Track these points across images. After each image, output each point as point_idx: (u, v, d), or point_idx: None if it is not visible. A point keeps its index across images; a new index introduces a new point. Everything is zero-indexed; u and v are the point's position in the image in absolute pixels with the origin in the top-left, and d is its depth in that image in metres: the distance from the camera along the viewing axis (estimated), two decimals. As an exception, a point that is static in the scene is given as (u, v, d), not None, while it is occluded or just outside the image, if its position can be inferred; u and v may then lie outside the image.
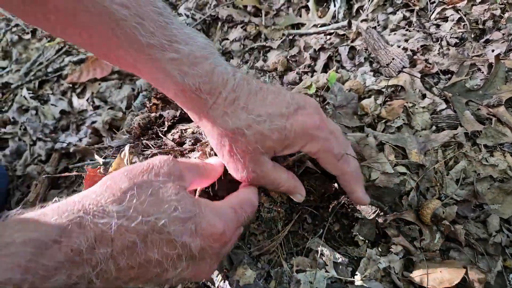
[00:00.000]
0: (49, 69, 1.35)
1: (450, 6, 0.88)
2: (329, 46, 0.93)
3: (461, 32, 0.83)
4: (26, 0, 0.41)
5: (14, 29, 1.59)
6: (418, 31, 0.86)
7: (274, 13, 1.09)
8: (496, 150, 0.65)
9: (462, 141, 0.65)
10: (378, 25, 0.92)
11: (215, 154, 0.61)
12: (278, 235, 0.64)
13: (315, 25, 1.01)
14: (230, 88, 0.48)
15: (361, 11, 0.99)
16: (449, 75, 0.77)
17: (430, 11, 0.91)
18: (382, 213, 0.59)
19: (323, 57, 0.91)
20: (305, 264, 0.58)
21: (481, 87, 0.73)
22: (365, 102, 0.75)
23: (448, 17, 0.87)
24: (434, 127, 0.70)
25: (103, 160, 0.79)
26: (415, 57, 0.81)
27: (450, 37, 0.82)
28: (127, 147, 0.67)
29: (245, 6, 1.13)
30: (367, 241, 0.62)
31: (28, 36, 1.54)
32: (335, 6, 1.01)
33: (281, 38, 1.02)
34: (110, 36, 0.43)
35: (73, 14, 0.42)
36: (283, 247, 0.63)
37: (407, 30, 0.88)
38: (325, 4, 1.05)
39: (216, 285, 0.60)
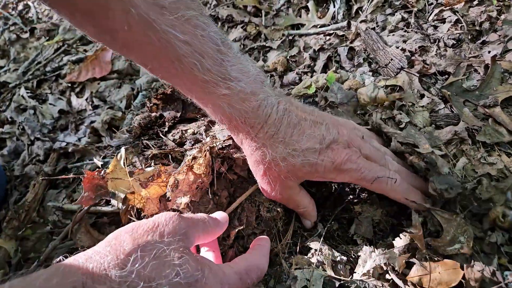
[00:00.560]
0: (48, 68, 1.35)
1: (448, 7, 0.89)
2: (329, 47, 0.94)
3: (458, 33, 0.84)
4: (99, 32, 0.45)
5: (12, 28, 1.59)
6: (416, 32, 0.87)
7: (274, 14, 1.09)
8: (493, 149, 0.66)
9: (465, 136, 0.66)
10: (377, 26, 0.93)
11: (213, 154, 0.63)
12: (284, 236, 0.65)
13: (314, 26, 1.01)
14: (272, 123, 0.53)
15: (360, 12, 1.00)
16: (446, 76, 0.78)
17: (428, 12, 0.92)
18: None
19: (322, 57, 0.92)
20: (303, 262, 0.59)
21: (477, 88, 0.74)
22: (362, 89, 0.76)
23: (445, 18, 0.88)
24: (433, 125, 0.71)
25: (102, 161, 0.79)
26: (413, 57, 0.82)
27: (448, 38, 0.83)
28: (123, 149, 0.67)
29: (245, 6, 1.14)
30: (365, 239, 0.63)
31: (26, 35, 1.54)
32: (334, 7, 1.01)
33: (281, 38, 1.03)
34: (169, 67, 0.47)
35: (139, 46, 0.45)
36: (282, 246, 0.63)
37: (405, 31, 0.89)
38: (324, 4, 1.05)
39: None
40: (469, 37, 0.83)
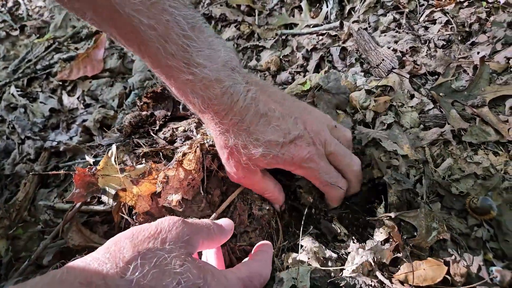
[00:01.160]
0: (38, 66, 1.33)
1: (438, 8, 0.90)
2: (321, 47, 0.94)
3: (448, 34, 0.85)
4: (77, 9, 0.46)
5: (1, 25, 1.57)
6: (407, 33, 0.89)
7: (268, 13, 1.10)
8: (480, 148, 0.67)
9: (449, 138, 0.68)
10: (369, 27, 0.94)
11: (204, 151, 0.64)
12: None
13: (307, 26, 1.02)
14: (237, 111, 0.53)
15: (352, 12, 1.01)
16: (436, 76, 0.80)
17: (419, 13, 0.93)
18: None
19: (315, 57, 0.93)
20: (295, 260, 0.59)
21: (466, 88, 0.75)
22: (354, 94, 0.76)
23: (436, 19, 0.89)
24: (422, 126, 0.72)
25: (93, 159, 0.79)
26: (404, 58, 0.83)
27: (438, 39, 0.85)
28: (114, 147, 0.67)
29: (239, 5, 1.14)
30: (354, 236, 0.64)
31: (16, 33, 1.52)
32: (327, 7, 1.02)
33: (274, 38, 1.03)
34: (136, 50, 0.48)
35: (108, 27, 0.46)
36: (274, 244, 0.64)
37: (397, 31, 0.90)
38: (317, 4, 1.06)
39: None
40: (459, 38, 0.85)
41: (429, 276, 0.54)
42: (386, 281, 0.55)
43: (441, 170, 0.65)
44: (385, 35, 0.90)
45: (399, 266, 0.57)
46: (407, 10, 0.94)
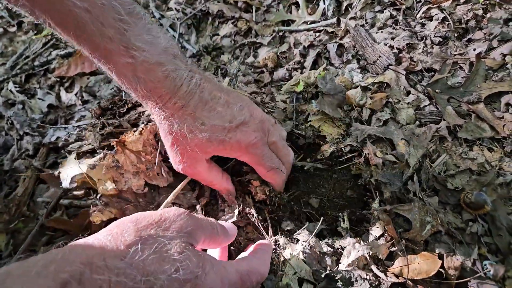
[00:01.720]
0: (36, 63, 1.33)
1: (435, 5, 0.91)
2: (318, 43, 0.95)
3: (445, 31, 0.85)
4: None
5: (-1, 21, 1.56)
6: (404, 29, 0.89)
7: (265, 9, 1.10)
8: (475, 144, 0.68)
9: (445, 134, 0.68)
10: (366, 23, 0.94)
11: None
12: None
13: (305, 22, 1.02)
14: (181, 95, 0.52)
15: (350, 8, 1.01)
16: (432, 73, 0.80)
17: (416, 10, 0.93)
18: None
19: (312, 54, 0.93)
20: (293, 253, 0.60)
21: (462, 85, 0.76)
22: (350, 92, 0.77)
23: (433, 16, 0.90)
24: (418, 122, 0.73)
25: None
26: (400, 55, 0.84)
27: (434, 36, 0.85)
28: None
29: (236, 2, 1.14)
30: (350, 230, 0.65)
31: (13, 29, 1.52)
32: (324, 3, 1.02)
33: (272, 35, 1.03)
34: (72, 36, 0.47)
35: (44, 13, 0.45)
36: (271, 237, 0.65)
37: (393, 28, 0.91)
38: (315, 1, 1.06)
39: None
40: (455, 35, 0.85)
41: (423, 269, 0.55)
42: (381, 275, 0.56)
43: (437, 165, 0.66)
44: (382, 32, 0.91)
45: (394, 260, 0.58)
46: (404, 6, 0.94)
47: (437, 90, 0.76)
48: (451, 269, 0.54)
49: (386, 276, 0.55)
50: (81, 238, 0.38)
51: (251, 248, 0.57)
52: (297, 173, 0.70)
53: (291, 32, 1.01)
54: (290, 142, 0.75)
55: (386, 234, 0.59)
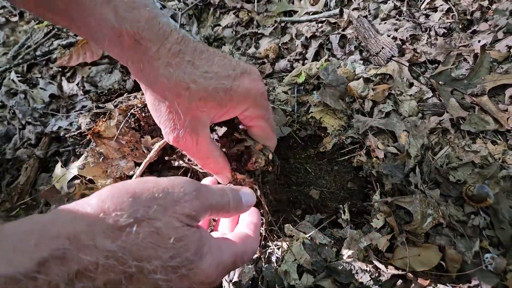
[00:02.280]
0: (38, 52, 1.33)
1: (440, -4, 0.89)
2: (321, 34, 0.94)
3: (450, 22, 0.84)
4: None
5: (0, 11, 1.55)
6: (408, 20, 0.88)
7: (267, 0, 1.09)
8: (479, 137, 0.67)
9: (448, 127, 0.68)
10: (369, 14, 0.93)
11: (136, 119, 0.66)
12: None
13: (307, 13, 1.01)
14: (175, 40, 0.45)
15: (353, -1, 0.99)
16: (436, 65, 0.79)
17: (420, 1, 0.92)
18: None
19: (314, 45, 0.92)
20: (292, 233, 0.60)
21: (466, 77, 0.75)
22: (352, 84, 0.76)
23: (437, 7, 0.88)
24: (420, 114, 0.72)
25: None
26: (404, 46, 0.83)
27: (439, 27, 0.84)
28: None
29: (238, -8, 1.13)
30: (350, 222, 0.65)
31: (15, 19, 1.51)
32: (327, -6, 1.01)
33: (273, 25, 1.02)
34: None
35: None
36: (267, 228, 0.65)
37: (397, 19, 0.89)
38: (317, -9, 1.05)
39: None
40: (460, 26, 0.84)
41: (424, 261, 0.55)
42: (382, 267, 0.56)
43: (439, 158, 0.65)
44: (385, 23, 0.89)
45: (394, 252, 0.58)
46: (409, -3, 0.93)
47: (440, 82, 0.75)
48: (452, 261, 0.54)
49: (387, 268, 0.55)
50: (69, 204, 0.33)
51: (246, 219, 0.52)
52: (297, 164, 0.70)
53: (293, 22, 1.00)
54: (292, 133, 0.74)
55: (386, 226, 0.59)
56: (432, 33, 0.84)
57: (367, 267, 0.57)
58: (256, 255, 0.63)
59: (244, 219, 0.52)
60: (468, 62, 0.78)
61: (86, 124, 0.76)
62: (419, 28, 0.85)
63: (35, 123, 1.11)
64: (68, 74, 1.23)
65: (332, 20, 0.95)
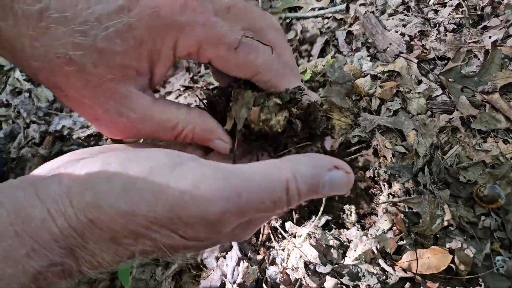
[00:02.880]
0: (42, 51, 1.33)
1: (449, -9, 0.87)
2: (326, 30, 0.92)
3: (459, 18, 0.82)
4: None
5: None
6: (416, 16, 0.86)
7: (272, -4, 1.07)
8: (490, 136, 0.66)
9: (458, 125, 0.66)
10: (376, 10, 0.91)
11: None
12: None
13: (312, 9, 0.99)
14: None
15: (359, -5, 0.97)
16: (445, 61, 0.77)
17: (429, -4, 0.90)
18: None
19: (320, 41, 0.91)
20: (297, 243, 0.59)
21: (476, 74, 0.73)
22: (359, 81, 0.75)
23: (446, 2, 0.86)
24: (429, 112, 0.70)
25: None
26: (412, 42, 0.81)
27: (448, 23, 0.82)
28: None
29: (242, -11, 1.11)
30: (357, 223, 0.63)
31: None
32: (333, -11, 0.99)
33: (278, 22, 1.01)
34: None
35: None
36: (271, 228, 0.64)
37: (405, 15, 0.87)
38: (323, -13, 1.03)
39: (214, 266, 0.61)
40: (470, 22, 0.82)
41: (433, 264, 0.54)
42: (389, 269, 0.54)
43: (449, 157, 0.63)
44: (392, 19, 0.88)
45: (402, 254, 0.57)
46: (417, -8, 0.90)
47: (450, 79, 0.73)
48: (462, 264, 0.53)
49: (394, 270, 0.54)
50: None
51: None
52: None
53: (298, 19, 0.99)
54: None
55: (394, 228, 0.58)
56: (441, 29, 0.82)
57: (374, 269, 0.55)
58: (260, 256, 0.62)
59: None
60: (479, 59, 0.76)
61: None
62: (428, 23, 0.83)
63: (39, 122, 1.11)
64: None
65: (338, 16, 0.93)
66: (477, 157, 0.63)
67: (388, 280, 0.54)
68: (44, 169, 0.32)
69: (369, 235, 0.58)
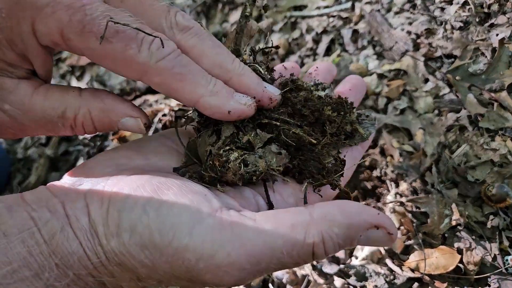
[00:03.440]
0: (48, 52, 1.34)
1: (456, -12, 0.86)
2: (332, 29, 0.92)
3: (466, 15, 0.81)
4: None
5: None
6: (422, 14, 0.85)
7: (276, -5, 1.07)
8: (497, 134, 0.65)
9: (465, 124, 0.65)
10: (382, 8, 0.90)
11: None
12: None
13: (317, 7, 0.99)
14: None
15: (364, -7, 0.97)
16: (452, 59, 0.77)
17: (435, -7, 0.89)
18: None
19: (325, 40, 0.90)
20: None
21: (484, 72, 0.72)
22: (366, 79, 0.75)
23: (453, 0, 0.85)
24: (436, 111, 0.70)
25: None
26: (418, 40, 0.80)
27: (455, 21, 0.81)
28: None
29: (246, -12, 1.11)
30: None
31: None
32: (338, -13, 0.99)
33: (283, 21, 1.00)
34: None
35: None
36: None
37: (411, 13, 0.87)
38: (328, -15, 1.03)
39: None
40: (477, 20, 0.81)
41: (441, 264, 0.53)
42: (397, 269, 0.54)
43: (456, 156, 0.63)
44: (398, 17, 0.87)
45: (410, 254, 0.56)
46: (423, -10, 0.90)
47: (457, 78, 0.72)
48: (471, 264, 0.52)
49: (402, 270, 0.54)
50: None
51: None
52: None
53: (303, 17, 0.98)
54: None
55: (402, 227, 0.57)
56: (448, 26, 0.81)
57: (381, 269, 0.55)
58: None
59: None
60: (486, 57, 0.75)
61: None
62: (434, 21, 0.83)
63: (45, 122, 1.12)
64: (78, 73, 1.23)
65: (344, 14, 0.92)
66: (485, 156, 0.62)
67: (395, 280, 0.54)
68: (68, 181, 0.32)
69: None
